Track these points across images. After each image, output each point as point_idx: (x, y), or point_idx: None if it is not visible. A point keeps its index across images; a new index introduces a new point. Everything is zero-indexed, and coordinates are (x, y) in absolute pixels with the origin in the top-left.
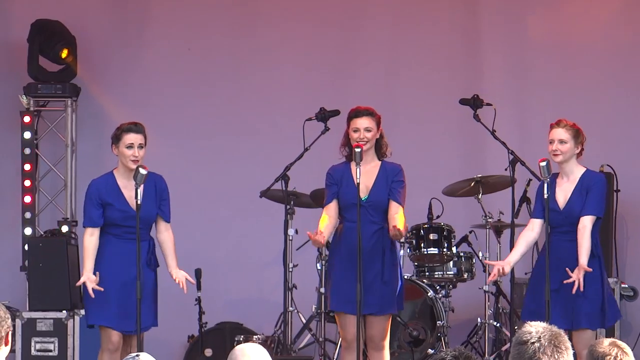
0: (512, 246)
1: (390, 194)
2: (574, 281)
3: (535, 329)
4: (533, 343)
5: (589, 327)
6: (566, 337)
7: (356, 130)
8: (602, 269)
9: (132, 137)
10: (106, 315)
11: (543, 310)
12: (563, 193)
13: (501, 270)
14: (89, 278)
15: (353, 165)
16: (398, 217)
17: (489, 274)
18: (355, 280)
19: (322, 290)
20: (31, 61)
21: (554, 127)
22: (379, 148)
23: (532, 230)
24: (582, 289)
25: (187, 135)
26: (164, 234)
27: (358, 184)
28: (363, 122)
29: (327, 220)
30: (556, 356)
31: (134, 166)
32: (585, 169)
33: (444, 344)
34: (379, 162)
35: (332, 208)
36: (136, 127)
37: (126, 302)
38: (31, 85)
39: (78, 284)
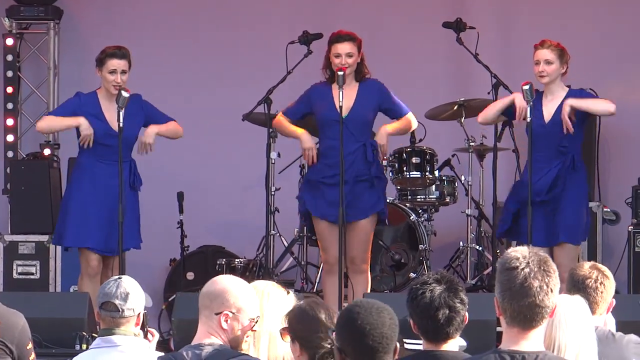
0: (494, 170)
1: (391, 113)
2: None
3: (521, 254)
4: (523, 269)
5: (569, 241)
6: (551, 260)
7: (337, 55)
8: (585, 185)
9: (115, 63)
10: (85, 238)
11: (520, 228)
12: (548, 110)
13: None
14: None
15: (334, 87)
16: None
17: (471, 198)
18: (337, 192)
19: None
20: None
21: (539, 48)
22: (359, 72)
23: None
24: (569, 127)
25: (169, 58)
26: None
27: (341, 107)
28: (344, 47)
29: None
30: (546, 280)
31: (115, 91)
32: (568, 88)
33: (426, 268)
34: (357, 84)
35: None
36: (120, 52)
37: (107, 224)
38: (13, 7)
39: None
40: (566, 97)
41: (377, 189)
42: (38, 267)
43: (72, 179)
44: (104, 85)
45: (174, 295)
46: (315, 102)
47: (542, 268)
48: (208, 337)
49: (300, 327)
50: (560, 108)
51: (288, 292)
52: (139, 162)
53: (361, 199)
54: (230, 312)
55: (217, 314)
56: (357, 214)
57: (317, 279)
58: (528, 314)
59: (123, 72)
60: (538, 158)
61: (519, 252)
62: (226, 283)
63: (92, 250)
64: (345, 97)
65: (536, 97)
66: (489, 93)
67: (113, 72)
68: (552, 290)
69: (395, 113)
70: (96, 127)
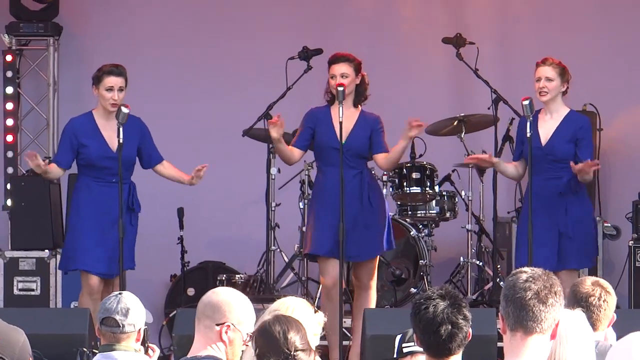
0: (494, 185)
1: (374, 147)
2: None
3: (528, 268)
4: (527, 272)
5: (577, 267)
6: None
7: (333, 76)
8: (591, 211)
9: (112, 80)
10: (83, 260)
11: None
12: (545, 130)
13: (485, 157)
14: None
15: (334, 108)
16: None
17: (472, 213)
18: (336, 226)
19: (305, 229)
20: None
21: (540, 66)
22: (358, 95)
23: (516, 167)
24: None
25: (168, 74)
26: (166, 169)
27: (341, 122)
28: (339, 68)
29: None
30: (550, 282)
31: (112, 109)
32: (569, 109)
33: (427, 283)
34: (358, 109)
35: (296, 151)
36: (117, 70)
37: (107, 246)
38: (13, 23)
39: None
40: (567, 118)
41: (379, 227)
42: (39, 283)
43: (72, 203)
44: (100, 104)
45: (175, 311)
46: (315, 125)
47: (545, 274)
48: (205, 349)
49: (259, 343)
50: (557, 132)
51: (316, 311)
52: (139, 178)
53: (363, 242)
54: (232, 324)
55: (218, 325)
56: (361, 255)
57: (318, 294)
58: (529, 309)
59: (120, 89)
60: (536, 181)
61: (525, 268)
62: (229, 295)
63: (90, 271)
64: (345, 120)
65: (533, 117)
66: (488, 108)
67: (110, 89)
68: (555, 294)
69: (376, 146)
70: (93, 149)
